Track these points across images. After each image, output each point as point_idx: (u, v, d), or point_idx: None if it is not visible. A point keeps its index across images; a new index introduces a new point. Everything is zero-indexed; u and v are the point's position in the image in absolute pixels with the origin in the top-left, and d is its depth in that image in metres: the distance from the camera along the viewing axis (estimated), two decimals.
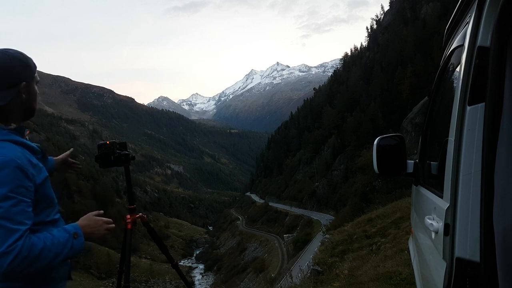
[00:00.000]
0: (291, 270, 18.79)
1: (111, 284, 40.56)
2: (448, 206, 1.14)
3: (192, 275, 55.33)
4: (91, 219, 1.54)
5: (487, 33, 1.08)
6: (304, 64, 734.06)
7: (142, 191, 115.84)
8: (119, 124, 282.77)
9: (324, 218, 41.95)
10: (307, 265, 13.48)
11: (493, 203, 1.00)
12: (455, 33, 1.54)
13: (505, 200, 0.99)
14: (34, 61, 1.49)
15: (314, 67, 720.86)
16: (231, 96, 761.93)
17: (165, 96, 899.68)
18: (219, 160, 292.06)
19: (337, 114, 65.54)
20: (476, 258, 1.02)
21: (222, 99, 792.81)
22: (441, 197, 1.29)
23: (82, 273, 41.51)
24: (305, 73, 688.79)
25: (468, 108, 1.09)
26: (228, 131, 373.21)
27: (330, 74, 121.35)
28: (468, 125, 1.08)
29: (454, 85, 1.34)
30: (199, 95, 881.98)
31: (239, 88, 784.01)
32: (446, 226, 1.14)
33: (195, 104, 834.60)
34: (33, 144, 1.50)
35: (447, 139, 1.24)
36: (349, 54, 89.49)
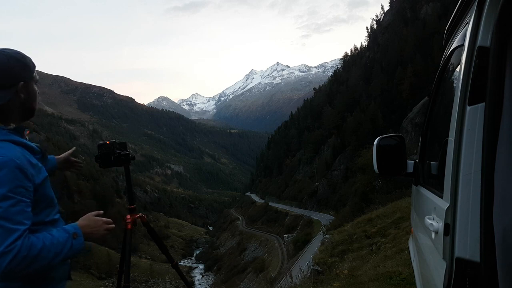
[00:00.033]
0: (291, 270, 18.79)
1: (111, 284, 40.56)
2: (448, 206, 1.14)
3: (192, 275, 55.33)
4: (90, 219, 1.54)
5: (487, 33, 1.08)
6: (304, 64, 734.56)
7: (142, 191, 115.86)
8: (119, 124, 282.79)
9: (324, 218, 41.95)
10: (307, 265, 13.49)
11: (493, 203, 1.00)
12: (455, 33, 1.54)
13: (505, 200, 0.99)
14: (34, 61, 1.48)
15: (314, 67, 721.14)
16: (231, 96, 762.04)
17: (165, 96, 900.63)
18: (219, 160, 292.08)
19: (337, 114, 65.55)
20: (476, 258, 1.02)
21: (222, 99, 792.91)
22: (441, 197, 1.29)
23: (82, 273, 41.51)
24: (305, 73, 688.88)
25: (468, 108, 1.09)
26: (228, 131, 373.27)
27: (330, 74, 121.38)
28: (468, 125, 1.08)
29: (454, 85, 1.34)
30: (199, 95, 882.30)
31: (239, 88, 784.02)
32: (446, 226, 1.14)
33: (195, 104, 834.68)
34: (33, 144, 1.50)
35: (447, 139, 1.24)
36: (349, 54, 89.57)
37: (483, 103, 1.06)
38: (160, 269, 50.23)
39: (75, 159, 2.05)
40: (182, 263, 62.57)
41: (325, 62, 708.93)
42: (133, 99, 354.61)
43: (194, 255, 75.38)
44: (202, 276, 55.67)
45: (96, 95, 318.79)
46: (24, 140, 1.44)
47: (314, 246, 25.25)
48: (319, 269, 8.16)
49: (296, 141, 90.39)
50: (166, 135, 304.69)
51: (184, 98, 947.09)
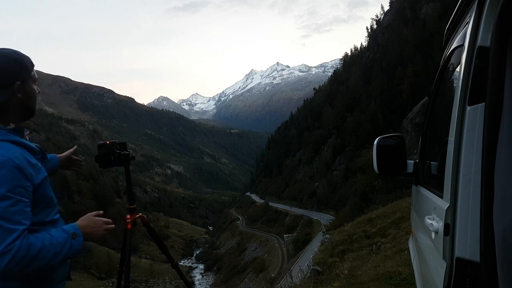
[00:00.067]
0: (291, 270, 18.79)
1: (111, 284, 40.57)
2: (448, 206, 1.14)
3: (192, 275, 55.33)
4: (90, 219, 1.54)
5: (487, 33, 1.08)
6: (304, 64, 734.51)
7: (142, 191, 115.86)
8: (119, 124, 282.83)
9: (324, 218, 41.95)
10: (307, 265, 13.48)
11: (493, 203, 1.00)
12: (455, 33, 1.54)
13: (505, 200, 0.99)
14: (34, 61, 1.48)
15: (314, 67, 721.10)
16: (231, 96, 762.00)
17: (165, 96, 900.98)
18: (219, 160, 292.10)
19: (337, 114, 65.55)
20: (476, 258, 1.02)
21: (222, 99, 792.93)
22: (441, 197, 1.29)
23: (82, 273, 41.52)
24: (305, 73, 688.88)
25: (468, 108, 1.09)
26: (228, 131, 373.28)
27: (330, 74, 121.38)
28: (468, 125, 1.08)
29: (454, 85, 1.34)
30: (199, 95, 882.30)
31: (239, 88, 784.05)
32: (446, 226, 1.14)
33: (195, 104, 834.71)
34: (33, 144, 1.50)
35: (447, 139, 1.24)
36: (349, 54, 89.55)
37: (483, 103, 1.06)
38: (160, 269, 50.24)
39: (76, 158, 2.06)
40: (182, 263, 62.58)
41: (325, 62, 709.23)
42: (133, 99, 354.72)
43: (194, 255, 75.38)
44: (202, 276, 55.67)
45: (96, 95, 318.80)
46: (24, 140, 1.44)
47: (314, 246, 25.25)
48: (319, 269, 8.16)
49: (296, 141, 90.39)
50: (166, 135, 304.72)
51: (184, 98, 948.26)
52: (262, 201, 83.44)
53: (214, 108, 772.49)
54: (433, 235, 1.31)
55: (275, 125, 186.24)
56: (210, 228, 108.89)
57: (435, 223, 1.28)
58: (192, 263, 67.24)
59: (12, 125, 1.42)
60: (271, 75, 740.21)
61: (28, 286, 1.37)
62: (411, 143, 22.30)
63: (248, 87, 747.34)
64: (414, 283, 2.09)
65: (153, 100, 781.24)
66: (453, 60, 1.52)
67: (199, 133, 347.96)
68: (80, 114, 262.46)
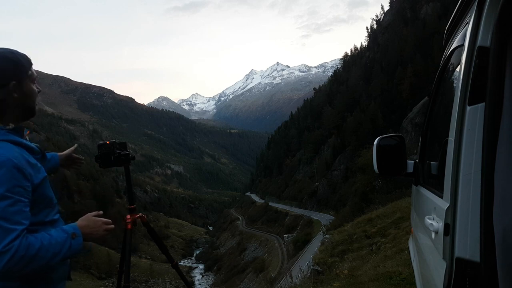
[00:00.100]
0: (291, 270, 18.78)
1: (111, 284, 40.57)
2: (448, 206, 1.14)
3: (192, 275, 55.33)
4: (90, 219, 1.54)
5: (487, 33, 1.08)
6: (304, 64, 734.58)
7: (142, 191, 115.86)
8: (119, 124, 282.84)
9: (324, 218, 41.95)
10: (307, 265, 13.48)
11: (493, 203, 1.00)
12: (455, 33, 1.54)
13: (505, 200, 0.99)
14: (34, 61, 1.47)
15: (314, 67, 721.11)
16: (231, 96, 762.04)
17: (165, 96, 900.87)
18: (219, 160, 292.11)
19: (337, 114, 65.56)
20: (476, 258, 1.02)
21: (222, 99, 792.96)
22: (441, 197, 1.29)
23: (82, 273, 41.52)
24: (305, 73, 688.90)
25: (468, 108, 1.09)
26: (228, 131, 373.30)
27: (330, 74, 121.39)
28: (468, 125, 1.08)
29: (454, 85, 1.34)
30: (199, 95, 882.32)
31: (239, 88, 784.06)
32: (446, 226, 1.14)
33: (195, 104, 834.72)
34: (32, 144, 1.50)
35: (447, 139, 1.24)
36: (349, 54, 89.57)
37: (483, 103, 1.06)
38: (160, 269, 50.22)
39: (77, 156, 2.06)
40: (182, 263, 62.58)
41: (325, 62, 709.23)
42: (133, 99, 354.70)
43: (194, 255, 75.38)
44: (202, 276, 55.67)
45: (96, 95, 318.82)
46: (23, 140, 1.44)
47: (314, 246, 25.25)
48: (319, 269, 8.16)
49: (296, 141, 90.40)
50: (166, 135, 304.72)
51: (184, 98, 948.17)
52: (262, 201, 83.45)
53: (214, 108, 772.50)
54: (433, 235, 1.31)
55: (275, 125, 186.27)
56: (210, 228, 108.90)
57: (435, 223, 1.28)
58: (192, 263, 67.24)
59: (11, 125, 1.42)
60: (271, 75, 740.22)
61: (28, 286, 1.37)
62: (411, 143, 22.30)
63: (248, 87, 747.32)
64: (414, 283, 2.09)
65: (153, 100, 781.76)
66: (453, 60, 1.52)
67: (199, 133, 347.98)
68: (80, 114, 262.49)
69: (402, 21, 64.67)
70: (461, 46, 1.26)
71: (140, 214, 2.36)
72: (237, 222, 78.91)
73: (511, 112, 1.03)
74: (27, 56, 1.47)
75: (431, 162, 1.77)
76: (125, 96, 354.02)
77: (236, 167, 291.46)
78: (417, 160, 2.07)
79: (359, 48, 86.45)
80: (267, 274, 32.76)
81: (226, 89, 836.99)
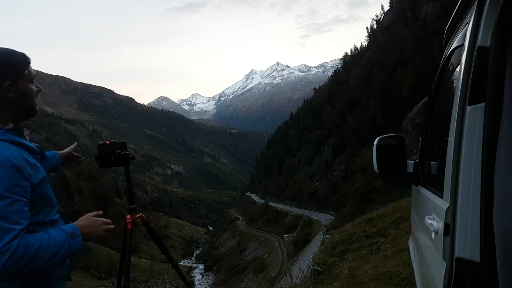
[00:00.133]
0: (291, 270, 18.78)
1: (111, 284, 40.58)
2: (448, 206, 1.14)
3: (192, 275, 55.34)
4: (89, 219, 1.54)
5: (487, 33, 1.07)
6: (304, 64, 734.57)
7: (142, 191, 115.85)
8: (119, 124, 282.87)
9: (324, 218, 41.95)
10: (307, 265, 13.48)
11: (493, 203, 1.00)
12: (455, 33, 1.54)
13: (505, 200, 0.99)
14: (34, 61, 1.47)
15: (314, 67, 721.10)
16: (231, 96, 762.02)
17: (165, 96, 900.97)
18: (219, 160, 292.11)
19: (337, 114, 65.56)
20: (476, 258, 1.02)
21: (222, 99, 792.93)
22: (441, 197, 1.29)
23: (82, 273, 41.53)
24: (305, 73, 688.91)
25: (468, 108, 1.09)
26: (228, 131, 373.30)
27: (330, 74, 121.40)
28: (468, 125, 1.08)
29: (454, 85, 1.34)
30: (199, 95, 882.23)
31: (239, 88, 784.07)
32: (446, 226, 1.14)
33: (195, 104, 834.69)
34: (32, 144, 1.49)
35: (447, 139, 1.24)
36: (349, 54, 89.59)
37: (483, 103, 1.06)
38: (160, 269, 50.23)
39: (76, 154, 2.06)
40: (182, 263, 62.58)
41: (325, 62, 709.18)
42: (133, 99, 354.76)
43: (194, 255, 75.39)
44: (202, 276, 55.68)
45: (96, 95, 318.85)
46: (22, 140, 1.43)
47: (314, 246, 25.25)
48: (319, 269, 8.16)
49: (296, 141, 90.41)
50: (166, 135, 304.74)
51: (184, 98, 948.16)
52: (262, 201, 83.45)
53: (214, 108, 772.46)
54: (433, 235, 1.31)
55: (275, 125, 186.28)
56: (210, 228, 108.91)
57: (435, 223, 1.28)
58: (192, 263, 67.24)
59: (10, 125, 1.42)
60: (271, 75, 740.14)
61: (28, 287, 1.37)
62: (411, 143, 22.30)
63: (248, 87, 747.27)
64: (414, 283, 2.09)
65: (153, 100, 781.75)
66: (453, 60, 1.52)
67: (199, 133, 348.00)
68: (80, 114, 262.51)
69: (402, 21, 64.67)
70: (461, 46, 1.26)
71: (140, 214, 2.36)
72: (237, 222, 78.91)
73: (511, 112, 1.03)
74: (24, 55, 1.45)
75: (431, 162, 1.77)
76: (125, 96, 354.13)
77: (236, 167, 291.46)
78: (417, 160, 2.07)
79: (359, 48, 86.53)
80: (267, 274, 32.76)
81: (226, 89, 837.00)
